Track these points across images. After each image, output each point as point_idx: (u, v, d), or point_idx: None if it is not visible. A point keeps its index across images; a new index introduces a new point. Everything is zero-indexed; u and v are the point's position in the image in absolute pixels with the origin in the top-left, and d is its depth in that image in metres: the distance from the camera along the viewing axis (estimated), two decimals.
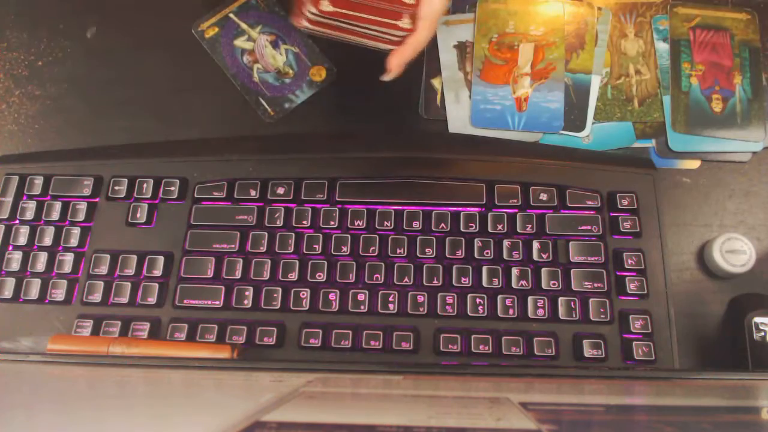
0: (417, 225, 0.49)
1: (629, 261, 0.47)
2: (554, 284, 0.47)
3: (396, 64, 0.46)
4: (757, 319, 0.45)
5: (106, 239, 0.51)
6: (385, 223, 0.49)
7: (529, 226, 0.49)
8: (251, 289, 0.48)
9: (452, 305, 0.47)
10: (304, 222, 0.49)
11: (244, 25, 0.59)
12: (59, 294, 0.49)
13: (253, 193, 0.51)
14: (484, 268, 0.47)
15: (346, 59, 0.58)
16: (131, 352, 0.43)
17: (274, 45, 0.58)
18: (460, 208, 0.49)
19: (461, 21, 0.58)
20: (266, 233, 0.49)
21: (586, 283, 0.47)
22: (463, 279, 0.47)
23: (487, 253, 0.48)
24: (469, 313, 0.47)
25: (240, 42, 0.58)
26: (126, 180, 0.51)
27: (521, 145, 0.54)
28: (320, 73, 0.56)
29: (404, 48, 0.45)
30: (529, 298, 0.47)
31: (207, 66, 0.58)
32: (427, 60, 0.57)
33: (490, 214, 0.49)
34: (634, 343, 0.45)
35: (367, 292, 0.47)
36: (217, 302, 0.48)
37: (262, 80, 0.57)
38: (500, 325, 0.46)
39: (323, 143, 0.55)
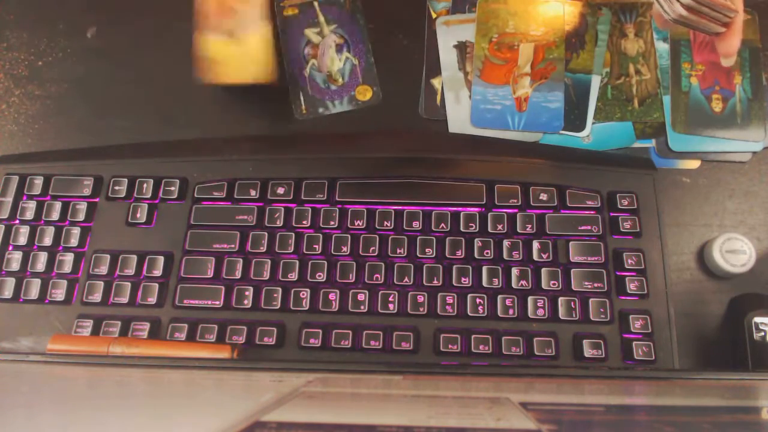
0: (417, 225, 0.49)
1: (629, 261, 0.47)
2: (554, 284, 0.47)
3: (735, 45, 0.45)
4: (757, 319, 0.45)
5: (106, 239, 0.51)
6: (385, 223, 0.49)
7: (529, 226, 0.49)
8: (251, 289, 0.48)
9: (452, 305, 0.47)
10: (304, 222, 0.49)
11: (321, 18, 0.58)
12: (59, 294, 0.49)
13: (253, 193, 0.51)
14: (484, 268, 0.47)
15: None
16: (131, 352, 0.43)
17: (338, 49, 0.57)
18: (460, 208, 0.49)
19: (461, 21, 0.58)
20: (266, 233, 0.49)
21: (586, 283, 0.47)
22: (463, 279, 0.47)
23: (487, 253, 0.48)
24: (469, 313, 0.47)
25: (310, 32, 0.58)
26: (126, 180, 0.52)
27: (521, 145, 0.54)
28: (365, 93, 0.55)
29: (735, 27, 0.44)
30: (529, 298, 0.47)
31: None
32: (427, 60, 0.57)
33: (490, 214, 0.49)
34: (634, 343, 0.45)
35: (367, 292, 0.47)
36: (217, 302, 0.48)
37: (311, 77, 0.57)
38: (500, 325, 0.46)
39: (323, 143, 0.55)
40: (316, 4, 0.59)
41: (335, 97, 0.56)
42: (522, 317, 0.47)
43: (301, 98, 0.56)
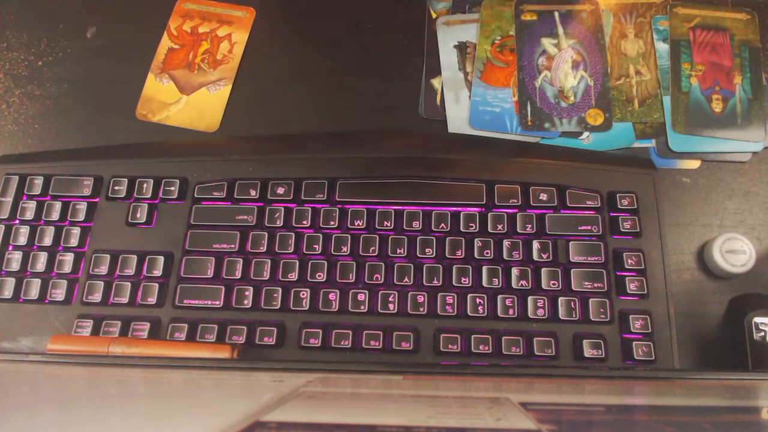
0: (417, 225, 0.49)
1: (629, 261, 0.47)
2: (554, 284, 0.47)
3: None
4: (757, 319, 0.45)
5: (106, 239, 0.51)
6: (385, 223, 0.49)
7: (529, 226, 0.49)
8: (251, 289, 0.48)
9: (452, 305, 0.47)
10: (304, 222, 0.49)
11: (560, 31, 0.56)
12: (59, 294, 0.49)
13: (253, 193, 0.51)
14: (484, 268, 0.47)
15: (349, 58, 0.59)
16: (131, 352, 0.43)
17: (574, 65, 0.55)
18: (460, 208, 0.49)
19: (461, 21, 0.58)
20: (266, 233, 0.49)
21: (586, 283, 0.47)
22: (463, 279, 0.47)
23: (487, 253, 0.48)
24: (469, 313, 0.47)
25: (546, 42, 0.56)
26: (126, 180, 0.51)
27: (521, 145, 0.54)
28: (597, 118, 0.52)
29: None
30: (529, 298, 0.47)
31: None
32: (427, 60, 0.57)
33: (490, 214, 0.49)
34: (634, 343, 0.45)
35: (367, 292, 0.47)
36: (217, 302, 0.48)
37: (541, 88, 0.54)
38: (500, 325, 0.46)
39: (323, 143, 0.55)
40: (556, 14, 0.57)
41: (564, 114, 0.54)
42: (522, 317, 0.47)
43: (528, 108, 0.53)
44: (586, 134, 0.54)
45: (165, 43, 0.59)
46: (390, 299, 0.47)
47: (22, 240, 0.50)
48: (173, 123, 0.57)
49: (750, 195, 0.53)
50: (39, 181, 0.52)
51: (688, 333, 0.49)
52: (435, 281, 0.47)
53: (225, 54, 0.58)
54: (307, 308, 0.47)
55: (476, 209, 0.49)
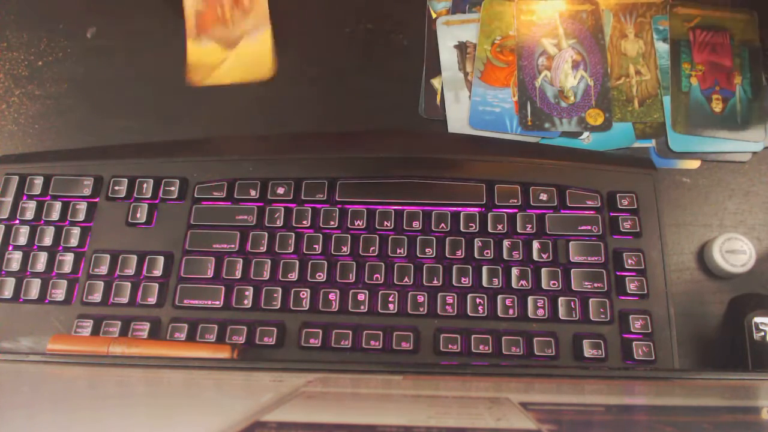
0: (417, 225, 0.49)
1: (629, 261, 0.47)
2: (554, 284, 0.47)
3: None
4: (757, 319, 0.45)
5: (106, 239, 0.51)
6: (385, 223, 0.49)
7: (529, 226, 0.49)
8: (251, 289, 0.48)
9: (452, 305, 0.47)
10: (304, 222, 0.49)
11: (560, 31, 0.56)
12: (59, 294, 0.49)
13: (253, 193, 0.51)
14: (484, 268, 0.47)
15: (347, 58, 0.59)
16: (131, 352, 0.43)
17: (574, 65, 0.55)
18: (460, 208, 0.49)
19: (461, 21, 0.58)
20: (266, 233, 0.49)
21: (586, 283, 0.47)
22: (463, 279, 0.47)
23: (487, 253, 0.48)
24: (469, 313, 0.47)
25: (546, 42, 0.56)
26: (126, 180, 0.52)
27: (521, 145, 0.54)
28: (597, 118, 0.52)
29: None
30: (529, 298, 0.47)
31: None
32: (427, 60, 0.57)
33: (490, 214, 0.49)
34: (634, 343, 0.45)
35: (367, 292, 0.47)
36: (217, 302, 0.48)
37: (541, 88, 0.54)
38: (500, 325, 0.46)
39: (323, 143, 0.55)
40: (556, 15, 0.56)
41: (564, 114, 0.54)
42: (522, 317, 0.47)
43: (528, 108, 0.53)
44: (586, 134, 0.54)
45: (190, 7, 0.58)
46: (390, 299, 0.47)
47: (22, 240, 0.50)
48: (227, 81, 0.56)
49: (750, 195, 0.53)
50: (39, 181, 0.52)
51: (688, 333, 0.49)
52: (435, 281, 0.47)
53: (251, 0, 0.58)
54: (307, 308, 0.47)
55: (476, 209, 0.49)
